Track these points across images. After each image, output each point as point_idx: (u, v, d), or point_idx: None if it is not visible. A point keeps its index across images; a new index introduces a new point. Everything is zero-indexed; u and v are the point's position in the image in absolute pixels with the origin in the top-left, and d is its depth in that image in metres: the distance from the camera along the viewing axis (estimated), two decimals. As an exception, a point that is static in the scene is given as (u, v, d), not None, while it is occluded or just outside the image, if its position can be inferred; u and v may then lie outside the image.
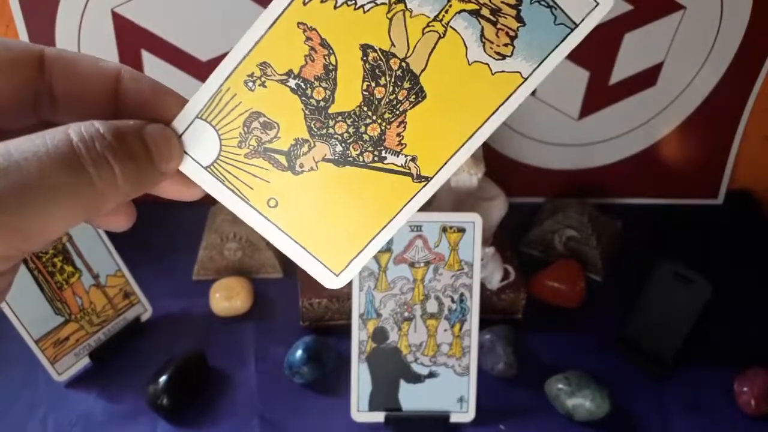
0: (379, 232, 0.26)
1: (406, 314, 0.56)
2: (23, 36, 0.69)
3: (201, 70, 0.73)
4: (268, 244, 0.71)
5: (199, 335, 0.66)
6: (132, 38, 0.71)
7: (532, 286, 0.70)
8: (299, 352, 0.60)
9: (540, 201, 0.81)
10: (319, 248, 0.27)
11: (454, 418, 0.57)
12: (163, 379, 0.58)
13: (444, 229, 0.55)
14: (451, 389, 0.57)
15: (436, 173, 0.26)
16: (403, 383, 0.57)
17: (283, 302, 0.69)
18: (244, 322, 0.67)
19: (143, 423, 0.58)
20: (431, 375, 0.57)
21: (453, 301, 0.56)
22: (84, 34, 0.70)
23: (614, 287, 0.72)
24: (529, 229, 0.77)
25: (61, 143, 0.21)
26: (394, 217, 0.26)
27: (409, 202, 0.26)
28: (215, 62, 0.75)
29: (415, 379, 0.57)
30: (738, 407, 0.59)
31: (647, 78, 0.77)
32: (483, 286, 0.64)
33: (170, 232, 0.75)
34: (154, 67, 0.72)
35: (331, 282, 0.27)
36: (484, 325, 0.59)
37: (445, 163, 0.26)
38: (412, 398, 0.57)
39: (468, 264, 0.56)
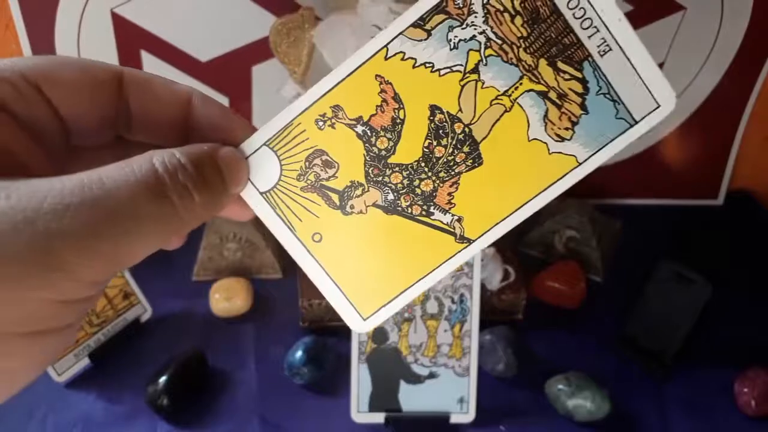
0: (413, 284, 0.27)
1: (406, 315, 0.56)
2: (22, 36, 0.69)
3: (200, 70, 0.73)
4: (268, 244, 0.71)
5: (199, 336, 0.66)
6: (131, 39, 0.71)
7: (533, 287, 0.70)
8: (299, 353, 0.60)
9: (540, 201, 0.81)
10: (353, 290, 0.27)
11: (455, 419, 0.57)
12: (163, 379, 0.57)
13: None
14: (451, 390, 0.57)
15: (478, 237, 0.27)
16: (403, 384, 0.57)
17: (283, 302, 0.69)
18: (244, 322, 0.67)
19: (143, 423, 0.57)
20: (431, 376, 0.57)
21: (453, 301, 0.56)
22: (83, 34, 0.70)
23: (614, 287, 0.72)
24: (529, 230, 0.77)
25: (148, 173, 0.22)
26: (430, 272, 0.27)
27: (447, 260, 0.27)
28: (215, 62, 0.76)
29: (415, 379, 0.57)
30: (738, 408, 0.59)
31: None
32: (483, 287, 0.64)
33: (170, 233, 0.75)
34: (153, 67, 0.72)
35: (357, 325, 0.28)
36: (484, 325, 0.59)
37: (489, 230, 0.27)
38: (412, 399, 0.57)
39: (468, 264, 0.55)
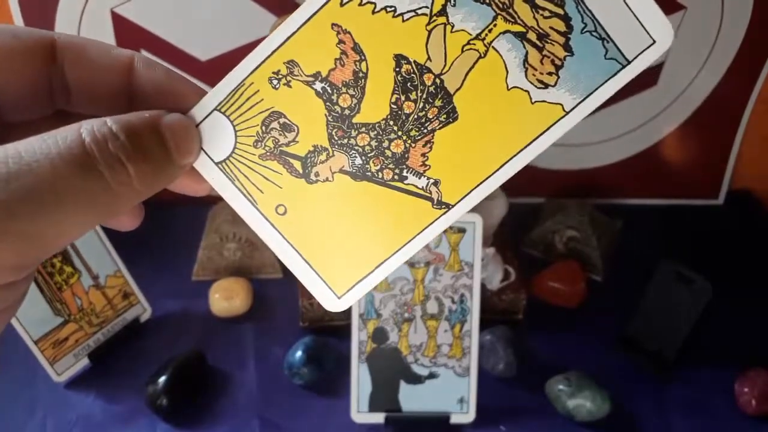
0: (390, 257, 0.25)
1: (406, 315, 0.56)
2: (22, 36, 0.69)
3: (201, 70, 0.73)
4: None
5: (199, 336, 0.66)
6: (131, 38, 0.71)
7: (533, 287, 0.70)
8: (299, 353, 0.60)
9: (540, 201, 0.81)
10: (324, 265, 0.25)
11: (455, 419, 0.57)
12: (162, 379, 0.57)
13: (444, 230, 0.55)
14: (451, 390, 0.57)
15: (458, 201, 0.24)
16: (403, 384, 0.56)
17: (283, 302, 0.69)
18: (244, 322, 0.67)
19: (142, 423, 0.57)
20: (431, 376, 0.56)
21: (453, 301, 0.56)
22: (83, 34, 0.70)
23: (614, 287, 0.72)
24: (529, 230, 0.77)
25: (73, 143, 0.20)
26: (408, 242, 0.25)
27: (425, 228, 0.25)
28: (215, 62, 0.76)
29: (415, 379, 0.57)
30: (738, 407, 0.59)
31: (648, 78, 0.77)
32: (483, 287, 0.64)
33: (170, 233, 0.75)
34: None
35: (331, 304, 0.26)
36: (484, 325, 0.59)
37: (469, 192, 0.24)
38: (412, 399, 0.56)
39: (468, 264, 0.55)
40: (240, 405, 0.59)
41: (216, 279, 0.70)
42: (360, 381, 0.56)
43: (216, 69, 0.73)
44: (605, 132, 0.81)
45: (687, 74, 0.77)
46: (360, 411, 0.56)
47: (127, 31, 0.70)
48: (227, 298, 0.67)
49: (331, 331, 0.65)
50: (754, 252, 0.78)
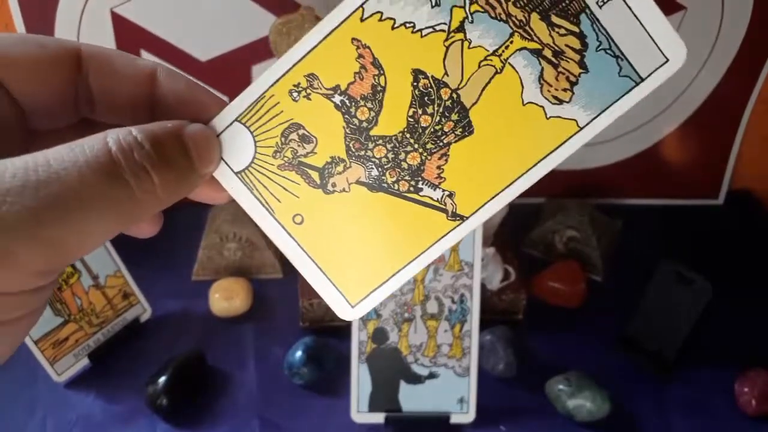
0: (404, 267, 0.25)
1: (406, 315, 0.56)
2: (22, 36, 0.69)
3: (201, 70, 0.73)
4: (269, 244, 0.71)
5: (199, 336, 0.66)
6: (131, 38, 0.71)
7: (533, 287, 0.70)
8: (299, 353, 0.60)
9: (540, 201, 0.81)
10: (339, 274, 0.26)
11: (455, 419, 0.57)
12: (162, 379, 0.57)
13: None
14: (451, 390, 0.56)
15: (472, 213, 0.25)
16: (403, 384, 0.56)
17: (283, 302, 0.69)
18: (244, 322, 0.67)
19: (142, 423, 0.57)
20: (431, 376, 0.56)
21: (453, 301, 0.56)
22: (83, 34, 0.70)
23: (615, 287, 0.72)
24: (529, 230, 0.77)
25: (100, 152, 0.20)
26: (422, 253, 0.25)
27: (440, 239, 0.25)
28: (215, 62, 0.76)
29: (415, 379, 0.56)
30: (738, 407, 0.59)
31: (648, 78, 0.77)
32: (483, 287, 0.64)
33: (170, 233, 0.74)
34: (153, 66, 0.72)
35: (345, 312, 0.26)
36: (484, 325, 0.59)
37: (484, 205, 0.25)
38: (412, 399, 0.56)
39: (468, 264, 0.55)
40: (240, 405, 0.59)
41: (216, 279, 0.70)
42: (360, 381, 0.56)
43: (216, 69, 0.73)
44: (605, 132, 0.81)
45: (687, 74, 0.77)
46: (360, 411, 0.56)
47: (127, 31, 0.70)
48: (227, 298, 0.67)
49: (331, 331, 0.65)
50: (754, 252, 0.78)
